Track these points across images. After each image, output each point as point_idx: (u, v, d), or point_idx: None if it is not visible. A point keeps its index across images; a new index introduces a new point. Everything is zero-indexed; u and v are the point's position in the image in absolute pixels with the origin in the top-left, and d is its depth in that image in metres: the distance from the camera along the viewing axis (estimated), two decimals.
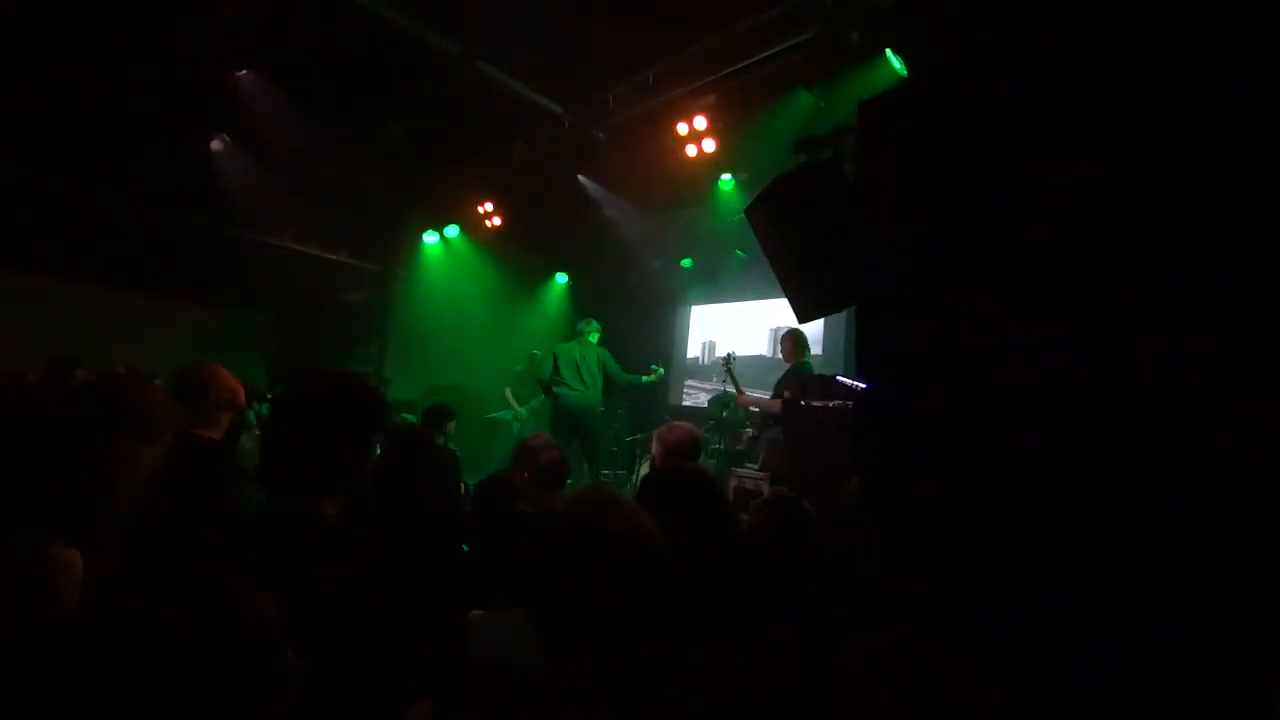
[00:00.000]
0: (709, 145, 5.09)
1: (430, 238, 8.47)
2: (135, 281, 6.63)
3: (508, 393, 7.82)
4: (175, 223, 6.78)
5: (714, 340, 9.14)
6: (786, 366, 5.28)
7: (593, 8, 4.69)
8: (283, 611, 0.69)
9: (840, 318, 7.01)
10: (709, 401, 7.43)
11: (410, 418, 5.82)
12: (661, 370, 6.31)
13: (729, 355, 5.76)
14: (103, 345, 6.17)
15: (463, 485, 3.04)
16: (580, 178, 6.83)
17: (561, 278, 9.80)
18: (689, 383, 9.24)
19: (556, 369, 5.90)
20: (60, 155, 5.89)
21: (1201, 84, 1.83)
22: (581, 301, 9.79)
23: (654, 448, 2.79)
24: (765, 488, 3.82)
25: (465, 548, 1.90)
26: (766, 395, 5.62)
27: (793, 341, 5.30)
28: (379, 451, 2.33)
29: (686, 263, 8.84)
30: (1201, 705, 1.52)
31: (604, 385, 6.03)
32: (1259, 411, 1.72)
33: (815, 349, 7.72)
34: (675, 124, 5.12)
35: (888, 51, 4.02)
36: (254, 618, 0.67)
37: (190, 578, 0.68)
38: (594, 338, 6.10)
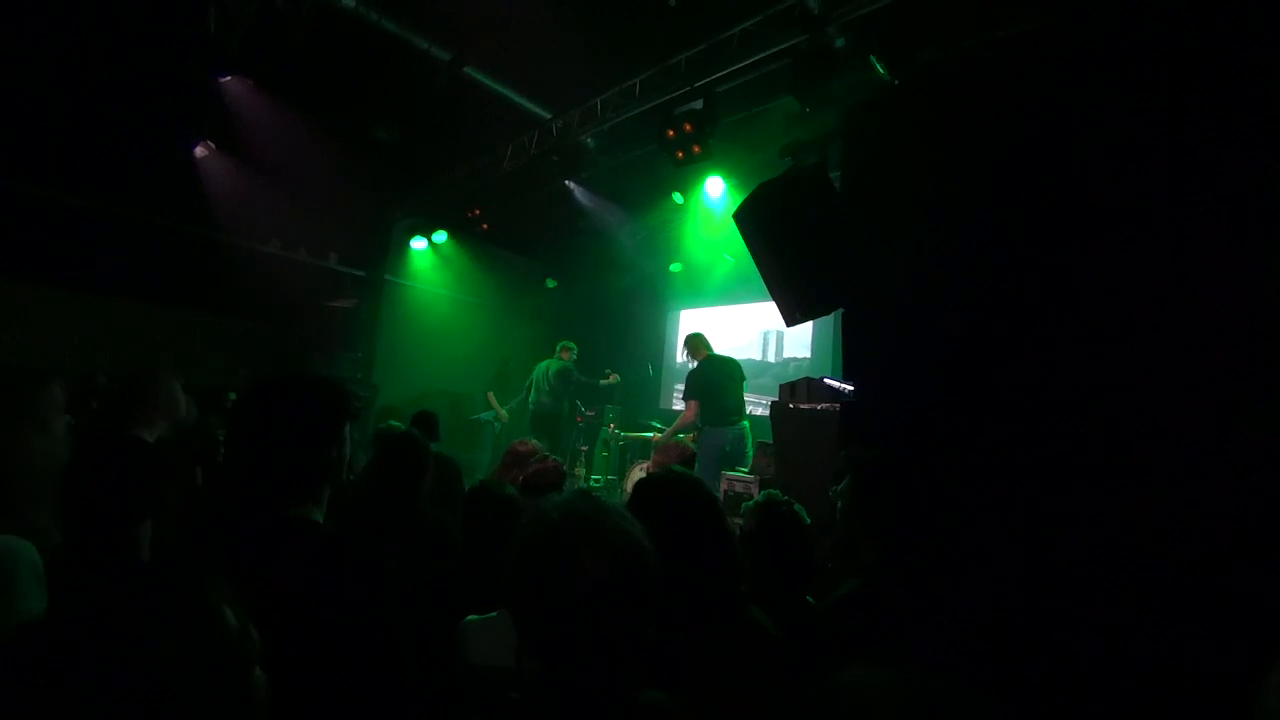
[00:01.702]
0: (696, 151, 5.11)
1: (419, 243, 8.44)
2: (121, 288, 6.55)
3: (490, 396, 7.93)
4: (161, 229, 6.72)
5: None
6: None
7: (580, 16, 4.71)
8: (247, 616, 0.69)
9: (829, 320, 7.06)
10: None
11: (397, 424, 5.81)
12: (616, 377, 7.28)
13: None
14: (88, 352, 6.10)
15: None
16: (569, 183, 6.84)
17: (550, 283, 9.79)
18: (679, 387, 9.26)
19: (534, 382, 7.04)
20: (45, 162, 5.82)
21: (1197, 93, 1.87)
22: (570, 306, 9.79)
23: (652, 464, 2.91)
24: (755, 490, 3.83)
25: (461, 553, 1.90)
26: (755, 397, 5.73)
27: (691, 344, 5.67)
28: (379, 457, 2.33)
29: (675, 267, 8.86)
30: (1201, 706, 1.53)
31: (571, 394, 7.17)
32: (1255, 414, 1.75)
33: (804, 352, 7.78)
34: (663, 130, 5.14)
35: (872, 58, 4.07)
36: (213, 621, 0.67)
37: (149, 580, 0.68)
38: (562, 359, 7.07)
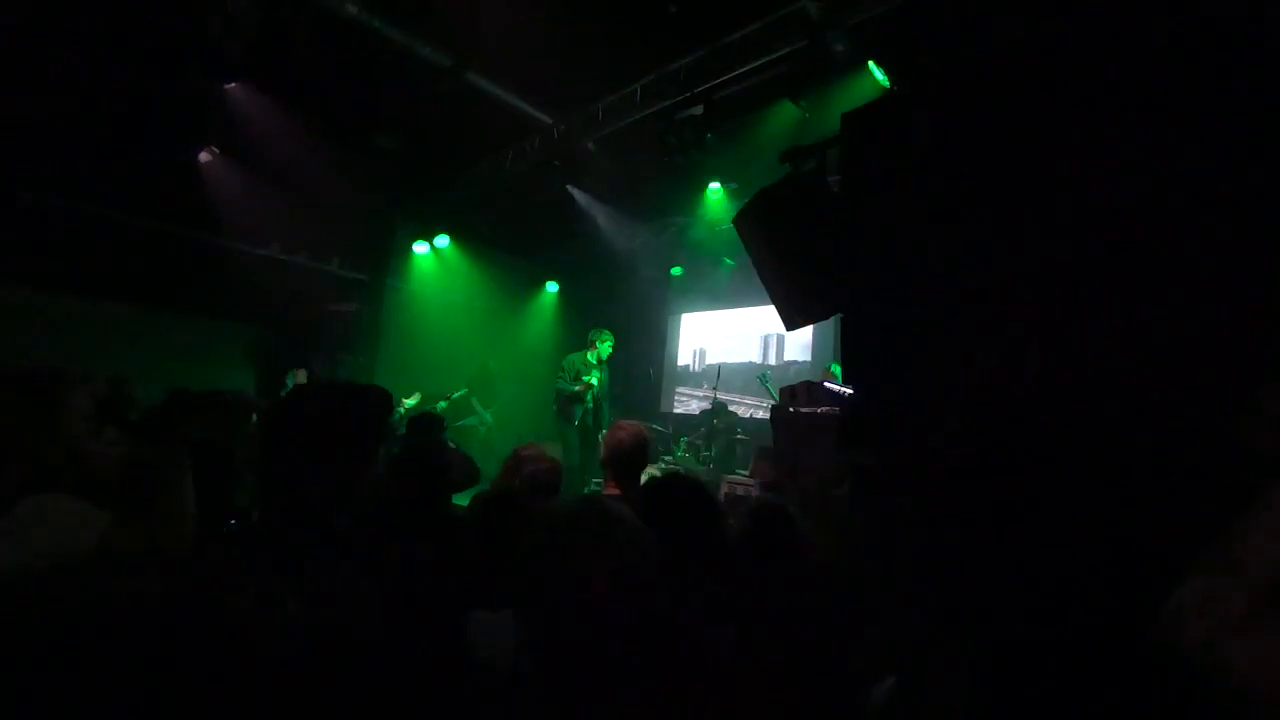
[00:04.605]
0: (697, 156, 5.15)
1: (421, 247, 8.47)
2: (124, 293, 6.59)
3: (475, 402, 7.99)
4: (164, 234, 6.76)
5: (704, 348, 9.19)
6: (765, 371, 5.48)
7: (581, 21, 4.75)
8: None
9: (829, 324, 7.07)
10: (700, 411, 7.48)
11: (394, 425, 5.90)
12: (589, 386, 6.33)
13: (765, 374, 6.47)
14: (92, 357, 6.13)
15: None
16: (570, 188, 6.87)
17: (552, 287, 9.83)
18: (679, 390, 9.28)
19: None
20: (48, 166, 5.86)
21: (1195, 96, 1.89)
22: (572, 311, 9.82)
23: (601, 450, 2.73)
24: (755, 494, 3.85)
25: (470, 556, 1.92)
26: (757, 400, 5.76)
27: None
28: (406, 464, 2.36)
29: (676, 271, 8.90)
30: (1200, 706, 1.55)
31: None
32: (1243, 415, 1.77)
33: (804, 355, 7.81)
34: (663, 135, 5.17)
35: (871, 64, 4.10)
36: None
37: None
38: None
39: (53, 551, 1.30)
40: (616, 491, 2.62)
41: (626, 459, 2.54)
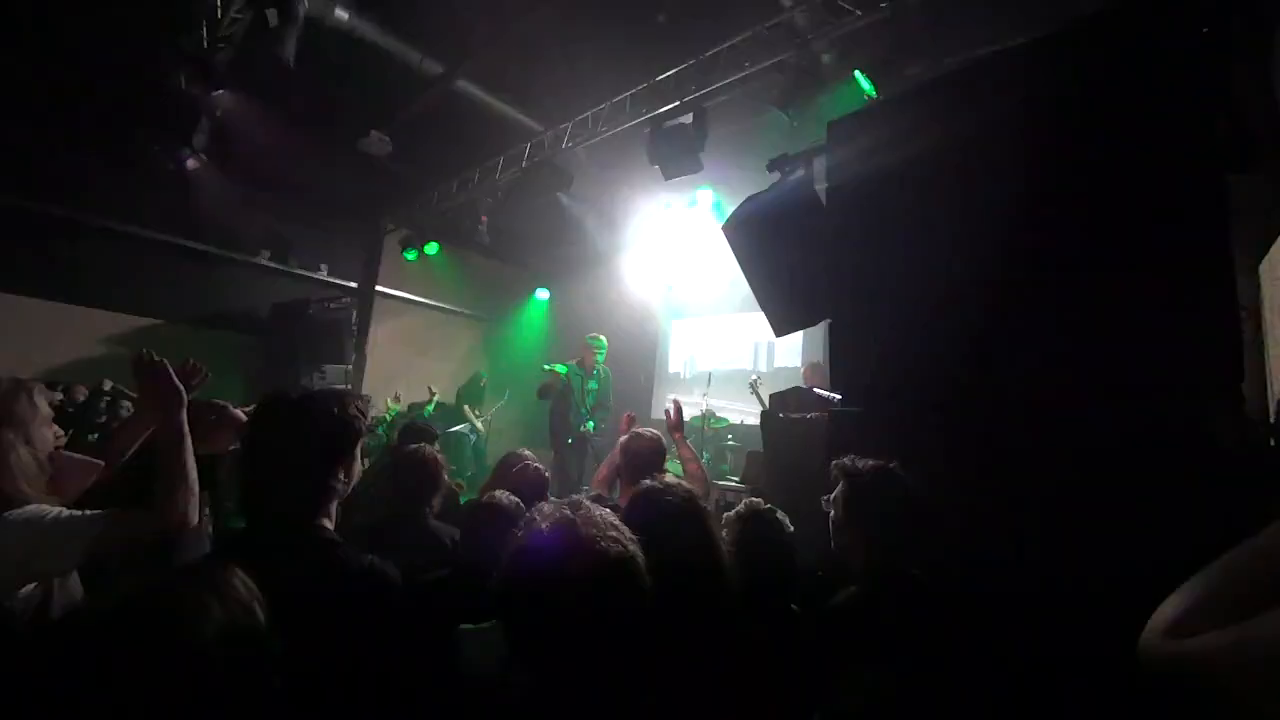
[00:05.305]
0: (685, 164, 5.17)
1: (410, 255, 8.46)
2: (113, 300, 6.54)
3: (467, 409, 7.97)
4: (152, 241, 6.72)
5: (695, 354, 9.20)
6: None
7: (573, 30, 4.78)
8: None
9: (819, 330, 7.10)
10: (691, 417, 7.48)
11: (383, 432, 5.88)
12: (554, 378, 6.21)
13: (755, 379, 6.26)
14: (80, 363, 6.07)
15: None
16: (560, 195, 6.88)
17: (543, 294, 9.83)
18: (671, 396, 9.29)
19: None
20: (36, 175, 5.81)
21: (1174, 107, 1.93)
22: (562, 318, 9.82)
23: (618, 455, 2.73)
24: (746, 499, 3.85)
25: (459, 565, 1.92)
26: (747, 406, 5.74)
27: None
28: (395, 472, 2.35)
29: (667, 277, 8.92)
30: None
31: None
32: (1220, 416, 1.80)
33: (794, 361, 7.83)
34: (653, 143, 5.19)
35: (857, 73, 4.14)
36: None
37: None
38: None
39: (40, 562, 1.28)
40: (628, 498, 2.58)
41: (644, 467, 2.53)
